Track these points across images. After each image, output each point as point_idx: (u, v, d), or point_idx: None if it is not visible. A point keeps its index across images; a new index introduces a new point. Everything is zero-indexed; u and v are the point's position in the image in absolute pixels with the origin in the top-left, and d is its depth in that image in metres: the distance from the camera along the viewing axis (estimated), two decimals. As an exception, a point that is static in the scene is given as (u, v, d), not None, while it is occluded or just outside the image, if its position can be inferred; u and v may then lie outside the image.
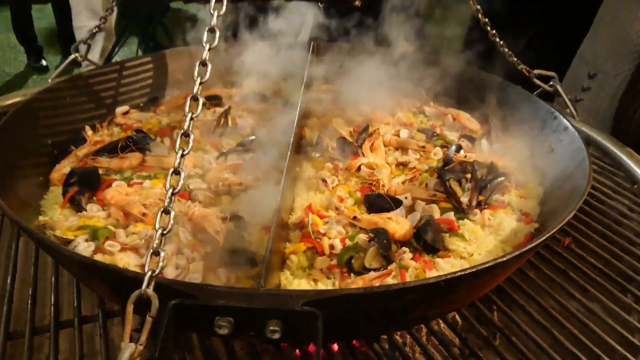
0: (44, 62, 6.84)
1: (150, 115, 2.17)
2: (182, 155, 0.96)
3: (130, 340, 0.88)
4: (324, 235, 1.45)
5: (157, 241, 0.93)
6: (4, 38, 6.48)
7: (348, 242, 1.44)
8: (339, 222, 1.52)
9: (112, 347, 1.33)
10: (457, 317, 1.56)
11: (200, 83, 1.00)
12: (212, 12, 1.05)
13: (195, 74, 1.00)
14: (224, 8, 1.06)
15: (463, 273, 1.07)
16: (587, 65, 2.69)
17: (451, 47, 2.24)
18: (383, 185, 1.68)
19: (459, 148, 1.86)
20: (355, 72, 2.29)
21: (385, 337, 1.43)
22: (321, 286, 1.33)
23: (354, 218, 1.51)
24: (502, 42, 2.08)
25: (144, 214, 1.50)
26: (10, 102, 2.24)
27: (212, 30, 1.04)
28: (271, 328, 0.93)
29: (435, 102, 2.32)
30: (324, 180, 1.69)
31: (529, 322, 1.43)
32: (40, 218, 1.54)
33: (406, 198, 1.63)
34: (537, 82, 2.17)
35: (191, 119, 0.97)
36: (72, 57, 2.29)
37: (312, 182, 1.71)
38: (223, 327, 0.93)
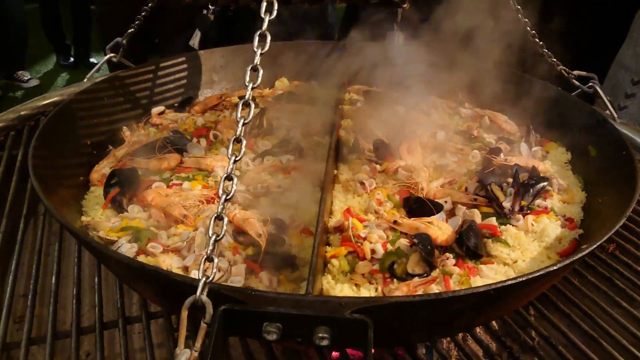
0: (72, 60, 6.96)
1: (185, 116, 2.17)
2: (235, 161, 0.96)
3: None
4: (364, 239, 1.43)
5: (210, 247, 0.93)
6: (35, 36, 6.60)
7: (389, 247, 1.42)
8: (379, 226, 1.50)
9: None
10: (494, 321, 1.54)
11: (252, 88, 1.00)
12: (263, 15, 1.04)
13: (247, 79, 1.00)
14: (274, 13, 1.05)
15: (515, 281, 1.05)
16: (629, 71, 2.63)
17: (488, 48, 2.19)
18: (422, 189, 1.66)
19: (498, 151, 1.82)
20: (387, 71, 2.27)
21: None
22: (364, 291, 1.31)
23: (395, 222, 1.49)
24: (541, 43, 2.04)
25: (184, 216, 1.50)
26: (47, 102, 2.28)
27: (263, 35, 1.03)
28: (320, 335, 0.92)
29: (471, 104, 2.28)
30: (362, 183, 1.68)
31: (572, 329, 1.40)
32: (83, 218, 1.56)
33: (446, 202, 1.60)
34: (577, 83, 2.12)
35: (244, 124, 0.97)
36: (107, 57, 2.33)
37: (350, 185, 1.69)
38: (272, 333, 0.93)
